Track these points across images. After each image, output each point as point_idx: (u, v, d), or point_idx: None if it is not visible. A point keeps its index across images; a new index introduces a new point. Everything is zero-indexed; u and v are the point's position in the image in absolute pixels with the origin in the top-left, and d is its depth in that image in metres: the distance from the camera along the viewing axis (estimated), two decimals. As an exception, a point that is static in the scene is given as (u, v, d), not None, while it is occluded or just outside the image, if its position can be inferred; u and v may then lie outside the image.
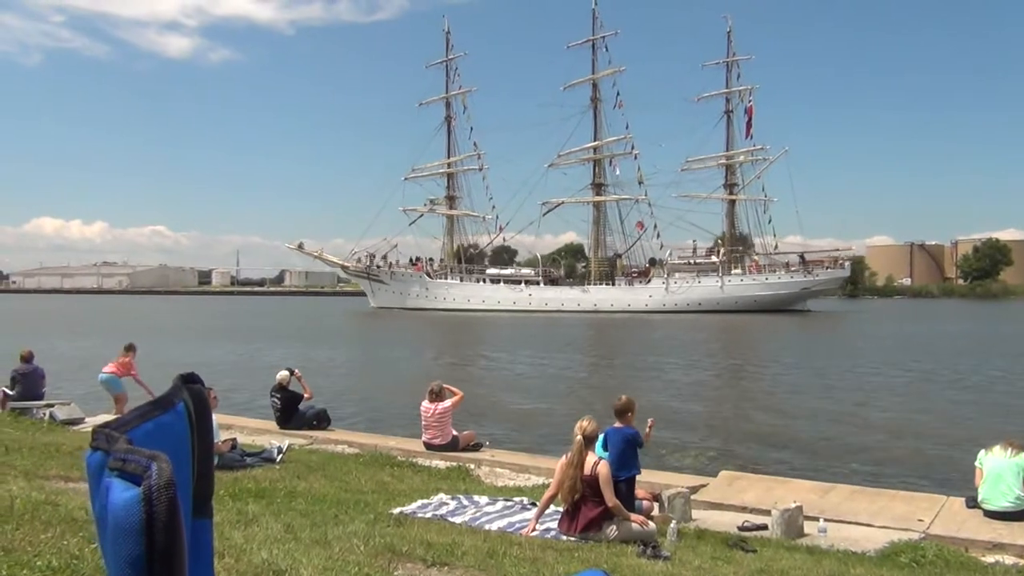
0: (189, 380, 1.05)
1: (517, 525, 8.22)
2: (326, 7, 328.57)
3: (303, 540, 5.82)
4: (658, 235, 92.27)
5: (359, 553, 5.56)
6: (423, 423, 13.31)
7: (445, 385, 13.69)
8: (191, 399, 1.02)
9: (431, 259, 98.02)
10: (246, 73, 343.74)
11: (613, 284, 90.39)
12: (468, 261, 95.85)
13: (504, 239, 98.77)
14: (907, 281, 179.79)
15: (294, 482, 9.63)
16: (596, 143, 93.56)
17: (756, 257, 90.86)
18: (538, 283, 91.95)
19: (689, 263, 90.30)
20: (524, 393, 24.90)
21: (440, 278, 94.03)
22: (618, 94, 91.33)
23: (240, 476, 9.58)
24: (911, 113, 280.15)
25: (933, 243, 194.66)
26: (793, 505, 9.01)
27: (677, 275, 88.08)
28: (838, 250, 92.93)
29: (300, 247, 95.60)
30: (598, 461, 7.88)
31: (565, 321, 70.98)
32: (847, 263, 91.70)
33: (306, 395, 15.18)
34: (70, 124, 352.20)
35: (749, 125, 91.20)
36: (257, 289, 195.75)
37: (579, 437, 7.93)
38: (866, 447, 16.67)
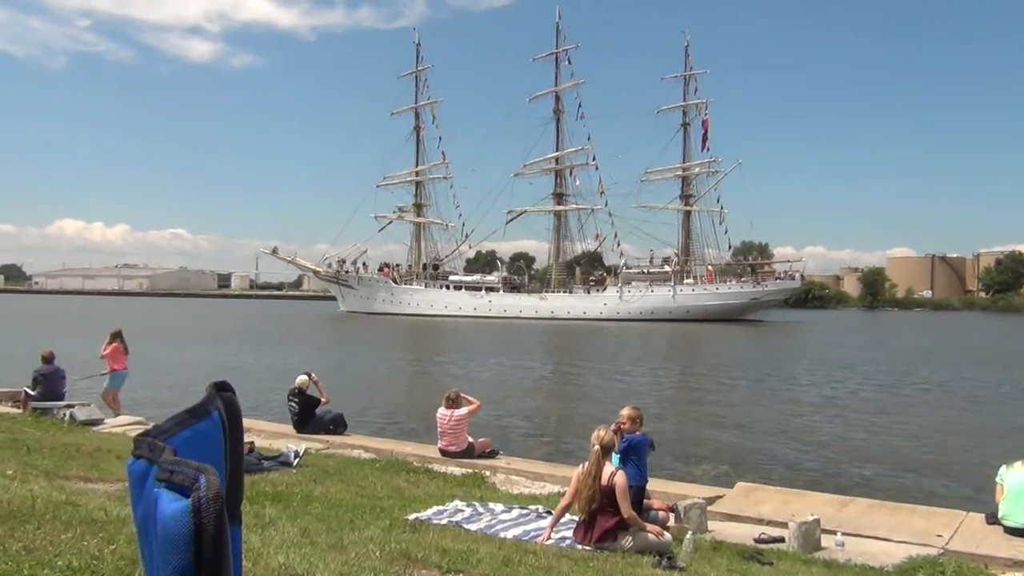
0: (222, 388, 1.07)
1: (532, 533, 8.21)
2: (347, 13, 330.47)
3: (319, 545, 5.84)
4: (618, 244, 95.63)
5: (375, 559, 5.57)
6: (439, 430, 13.33)
7: (462, 393, 13.72)
8: (224, 407, 1.04)
9: (398, 265, 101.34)
10: (267, 78, 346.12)
11: (571, 292, 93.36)
12: (434, 267, 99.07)
13: (469, 246, 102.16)
14: (928, 293, 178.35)
15: (310, 486, 9.67)
16: (558, 153, 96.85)
17: (710, 267, 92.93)
18: (498, 290, 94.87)
19: (643, 272, 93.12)
20: (512, 398, 24.92)
21: (406, 284, 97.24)
22: (580, 106, 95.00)
23: (257, 479, 9.63)
24: (936, 124, 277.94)
25: (955, 255, 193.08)
26: (810, 518, 8.95)
27: (632, 284, 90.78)
28: (789, 261, 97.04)
29: (274, 251, 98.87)
30: (615, 471, 7.87)
31: (524, 327, 72.98)
32: (797, 275, 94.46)
33: (323, 399, 15.25)
34: (93, 127, 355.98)
35: (705, 138, 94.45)
36: (276, 293, 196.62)
37: (596, 447, 7.93)
38: (882, 460, 16.53)
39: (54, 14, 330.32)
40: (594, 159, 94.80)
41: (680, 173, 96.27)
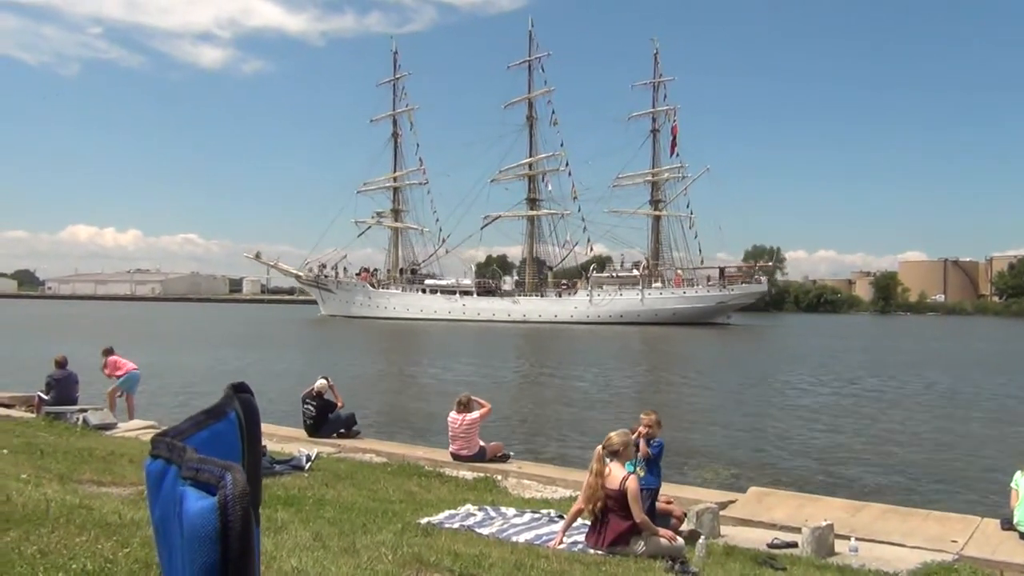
0: (239, 390, 1.07)
1: (544, 537, 8.20)
2: (357, 19, 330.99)
3: (332, 548, 5.84)
4: (591, 249, 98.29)
5: (387, 562, 5.57)
6: (450, 434, 13.33)
7: (473, 397, 13.71)
8: (241, 408, 1.04)
9: (376, 269, 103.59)
10: (277, 83, 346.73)
11: (543, 296, 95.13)
12: (412, 272, 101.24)
13: (447, 250, 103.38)
14: (940, 298, 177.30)
15: (323, 490, 9.68)
16: (531, 159, 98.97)
17: (679, 271, 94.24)
18: (471, 294, 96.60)
19: (612, 276, 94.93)
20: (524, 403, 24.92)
21: (384, 288, 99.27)
22: (553, 112, 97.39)
23: (269, 483, 9.64)
24: (948, 128, 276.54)
25: (968, 259, 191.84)
26: (824, 523, 8.89)
27: (602, 288, 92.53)
28: (756, 265, 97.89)
29: (257, 256, 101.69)
30: (627, 476, 7.84)
31: (498, 330, 74.49)
32: (764, 278, 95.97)
33: (339, 404, 15.28)
34: (105, 133, 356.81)
35: (674, 144, 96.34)
36: (287, 297, 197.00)
37: (598, 448, 7.96)
38: (894, 466, 16.44)
39: (67, 22, 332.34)
40: (567, 165, 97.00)
41: (650, 179, 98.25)
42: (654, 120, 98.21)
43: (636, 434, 8.94)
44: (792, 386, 31.68)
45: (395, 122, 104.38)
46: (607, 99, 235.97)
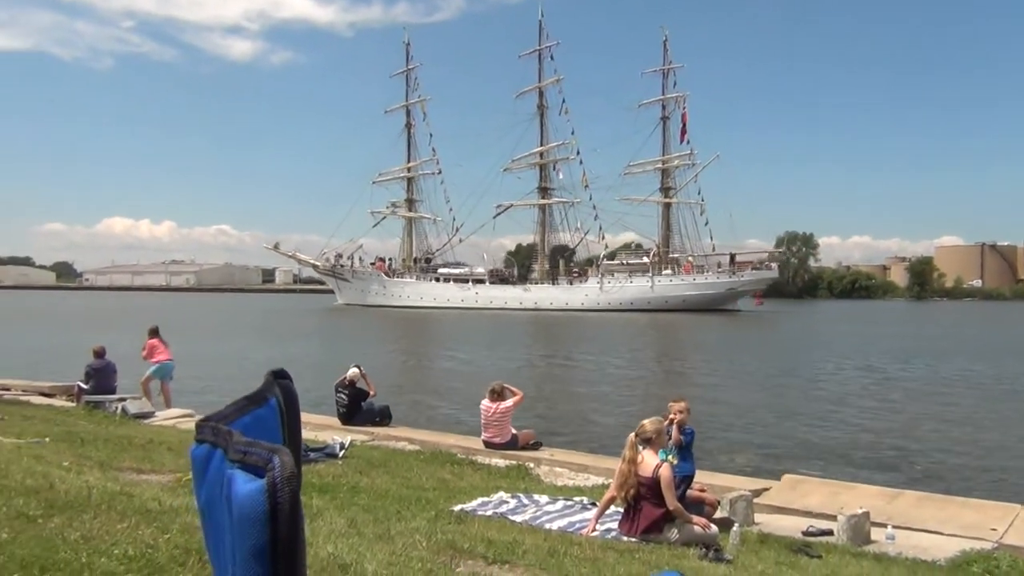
0: (279, 376, 1.08)
1: (577, 525, 8.21)
2: (385, 9, 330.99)
3: (366, 535, 5.89)
4: (602, 237, 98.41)
5: (421, 549, 5.61)
6: (483, 421, 13.37)
7: (506, 385, 13.74)
8: (281, 394, 1.05)
9: (391, 258, 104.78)
10: (306, 74, 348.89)
11: (555, 284, 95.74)
12: (426, 261, 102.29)
13: (460, 239, 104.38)
14: (978, 283, 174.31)
15: (356, 478, 9.77)
16: (542, 148, 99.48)
17: (690, 259, 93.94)
18: (484, 282, 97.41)
19: (622, 264, 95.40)
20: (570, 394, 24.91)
21: (398, 277, 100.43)
22: (563, 101, 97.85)
23: (304, 470, 9.70)
24: (987, 110, 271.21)
25: (1006, 244, 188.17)
26: (860, 511, 8.80)
27: (612, 275, 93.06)
28: (767, 252, 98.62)
29: (276, 247, 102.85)
30: (660, 464, 7.82)
31: (510, 318, 75.17)
32: (774, 265, 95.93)
33: (371, 392, 15.38)
34: (139, 126, 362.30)
35: (683, 131, 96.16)
36: (318, 287, 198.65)
37: (631, 436, 7.95)
38: (931, 453, 16.23)
39: (100, 16, 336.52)
40: (578, 153, 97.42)
41: (660, 166, 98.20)
42: (664, 107, 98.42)
43: (668, 421, 8.90)
44: (819, 372, 31.45)
45: (408, 113, 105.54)
46: (617, 87, 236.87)
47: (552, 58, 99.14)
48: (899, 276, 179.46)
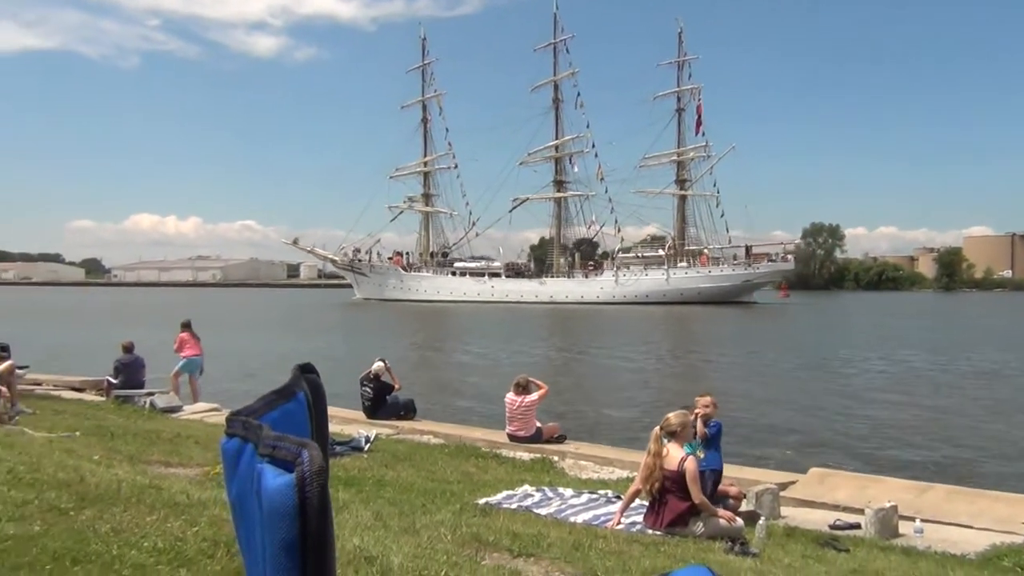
0: (306, 370, 1.08)
1: (602, 518, 8.21)
2: (407, 3, 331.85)
3: (392, 528, 5.93)
4: (618, 230, 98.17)
5: (447, 542, 5.63)
6: (508, 415, 13.38)
7: (531, 379, 13.74)
8: (309, 388, 1.05)
9: (408, 253, 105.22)
10: (330, 70, 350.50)
11: (571, 277, 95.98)
12: (443, 255, 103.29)
13: (477, 233, 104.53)
14: (1008, 273, 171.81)
15: (382, 471, 9.82)
16: (557, 141, 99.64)
17: (706, 251, 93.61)
18: (500, 276, 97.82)
19: (637, 256, 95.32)
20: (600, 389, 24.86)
21: (415, 271, 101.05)
22: (579, 94, 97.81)
23: (330, 464, 9.78)
24: (1012, 98, 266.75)
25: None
26: (888, 504, 8.73)
27: (628, 268, 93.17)
28: (783, 244, 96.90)
29: (295, 242, 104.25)
30: (685, 457, 7.79)
31: (526, 311, 75.53)
32: (790, 256, 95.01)
33: (396, 386, 15.44)
34: (165, 124, 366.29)
35: (699, 123, 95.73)
36: (342, 282, 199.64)
37: (655, 429, 7.93)
38: (961, 446, 16.04)
39: (125, 15, 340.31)
40: (593, 146, 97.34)
41: (675, 158, 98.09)
42: (679, 99, 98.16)
43: (693, 415, 8.88)
44: (843, 364, 31.21)
45: (424, 108, 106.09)
46: (632, 80, 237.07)
47: (567, 51, 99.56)
48: (927, 267, 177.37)
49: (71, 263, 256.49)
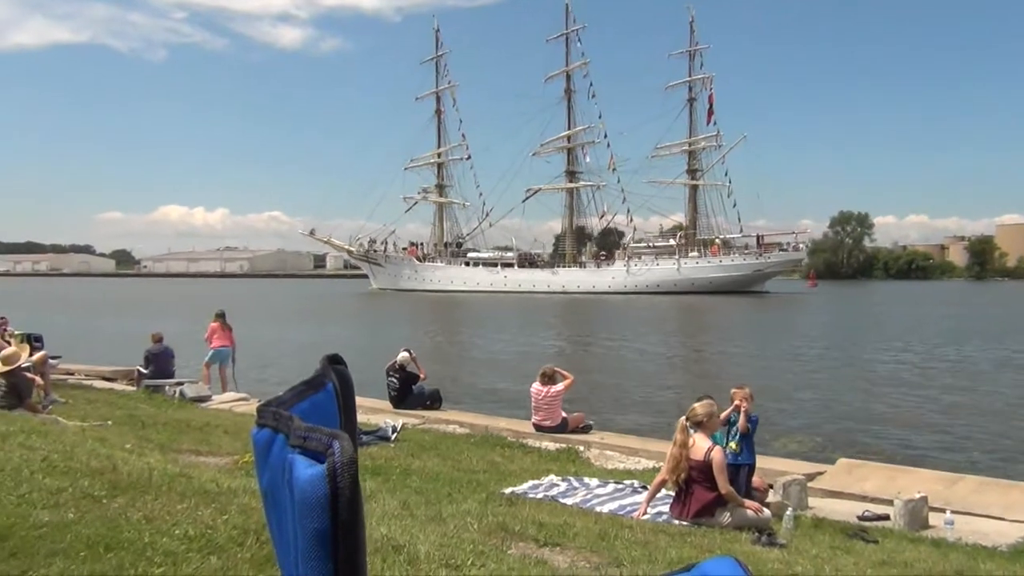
0: (334, 361, 1.09)
1: (628, 508, 8.20)
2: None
3: (419, 517, 5.96)
4: (631, 220, 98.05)
5: (473, 531, 5.66)
6: (533, 405, 13.40)
7: (557, 369, 13.74)
8: (337, 379, 1.06)
9: (423, 243, 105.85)
10: (356, 61, 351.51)
11: (583, 267, 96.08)
12: (457, 245, 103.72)
13: (490, 224, 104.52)
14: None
15: (408, 460, 9.88)
16: (569, 132, 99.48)
17: (718, 240, 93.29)
18: (512, 266, 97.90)
19: (649, 246, 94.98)
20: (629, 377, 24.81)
21: (430, 261, 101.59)
22: (591, 85, 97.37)
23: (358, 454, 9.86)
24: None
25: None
26: (917, 495, 8.64)
27: (639, 258, 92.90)
28: (794, 233, 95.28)
29: (311, 233, 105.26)
30: (712, 447, 7.77)
31: (539, 301, 75.67)
32: (802, 245, 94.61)
33: (421, 376, 15.51)
34: (192, 116, 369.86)
35: (710, 112, 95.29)
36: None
37: (681, 419, 7.90)
38: (991, 436, 15.83)
39: (153, 8, 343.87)
40: (605, 137, 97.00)
41: (686, 148, 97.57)
42: (690, 89, 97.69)
43: (733, 408, 8.85)
44: (869, 353, 30.91)
45: (438, 99, 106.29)
46: (644, 70, 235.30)
47: (579, 42, 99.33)
48: (958, 256, 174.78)
49: (102, 254, 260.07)
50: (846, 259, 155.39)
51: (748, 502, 7.90)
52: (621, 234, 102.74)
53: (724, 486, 7.67)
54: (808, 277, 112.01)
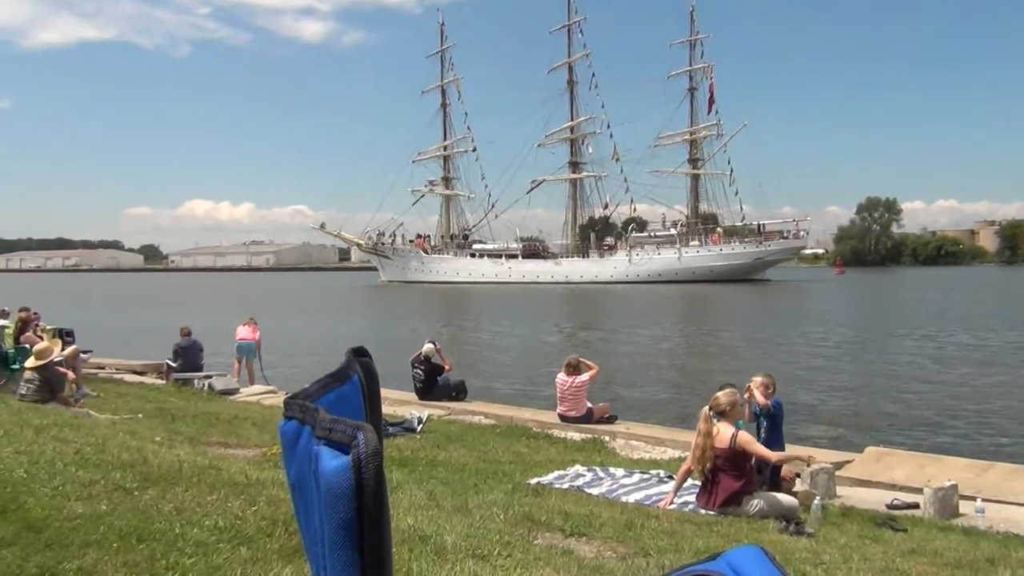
0: (359, 354, 1.10)
1: (654, 498, 8.19)
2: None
3: (445, 508, 6.00)
4: (634, 210, 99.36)
5: (499, 521, 5.68)
6: (559, 395, 13.42)
7: (581, 359, 13.74)
8: (362, 371, 1.07)
9: (429, 235, 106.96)
10: (378, 53, 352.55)
11: (586, 257, 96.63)
12: (463, 237, 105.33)
13: (496, 215, 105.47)
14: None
15: (434, 451, 9.92)
16: (572, 123, 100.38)
17: (719, 229, 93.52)
18: (516, 257, 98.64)
19: (650, 236, 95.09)
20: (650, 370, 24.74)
21: (436, 253, 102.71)
22: (593, 76, 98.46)
23: (384, 445, 9.90)
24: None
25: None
26: (947, 483, 8.55)
27: (641, 247, 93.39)
28: (795, 220, 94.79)
29: (322, 227, 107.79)
30: (736, 433, 7.73)
31: (543, 291, 76.18)
32: (803, 233, 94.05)
33: (446, 367, 15.57)
34: (217, 111, 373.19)
35: (711, 101, 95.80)
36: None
37: (704, 408, 7.89)
38: (1022, 422, 15.62)
39: (177, 4, 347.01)
40: (608, 127, 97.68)
41: (688, 137, 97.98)
42: (691, 78, 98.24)
43: (747, 390, 8.80)
44: (887, 340, 30.56)
45: (444, 92, 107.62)
46: (645, 60, 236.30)
47: (581, 33, 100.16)
48: (988, 241, 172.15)
49: (130, 250, 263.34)
50: (873, 246, 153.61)
51: (785, 464, 8.03)
52: (632, 223, 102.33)
53: (765, 453, 7.88)
54: (835, 264, 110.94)
